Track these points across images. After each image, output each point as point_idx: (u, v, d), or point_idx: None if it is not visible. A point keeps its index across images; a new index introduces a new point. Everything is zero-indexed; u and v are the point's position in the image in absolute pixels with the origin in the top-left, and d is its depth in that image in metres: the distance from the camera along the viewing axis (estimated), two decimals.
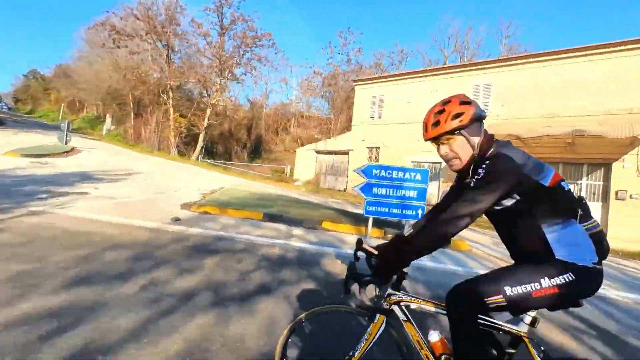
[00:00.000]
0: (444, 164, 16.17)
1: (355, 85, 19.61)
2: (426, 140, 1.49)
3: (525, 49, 28.25)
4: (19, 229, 4.38)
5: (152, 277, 3.26)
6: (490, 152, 1.40)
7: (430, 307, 1.53)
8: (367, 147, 18.81)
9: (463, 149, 1.42)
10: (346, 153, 19.80)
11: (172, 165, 16.89)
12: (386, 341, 1.58)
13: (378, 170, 6.27)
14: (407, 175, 6.24)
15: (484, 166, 1.33)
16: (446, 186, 15.91)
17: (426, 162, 16.57)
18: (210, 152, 33.34)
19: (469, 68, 15.79)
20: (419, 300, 1.53)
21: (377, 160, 18.30)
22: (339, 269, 4.29)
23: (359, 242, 1.59)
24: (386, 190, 6.21)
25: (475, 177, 1.34)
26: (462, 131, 1.39)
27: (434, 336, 1.52)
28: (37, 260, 3.36)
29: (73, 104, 47.35)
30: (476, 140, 1.41)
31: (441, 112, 1.41)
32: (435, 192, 16.30)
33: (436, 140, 1.45)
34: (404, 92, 17.56)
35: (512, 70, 14.50)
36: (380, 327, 1.52)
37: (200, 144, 23.54)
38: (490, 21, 58.04)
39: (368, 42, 64.87)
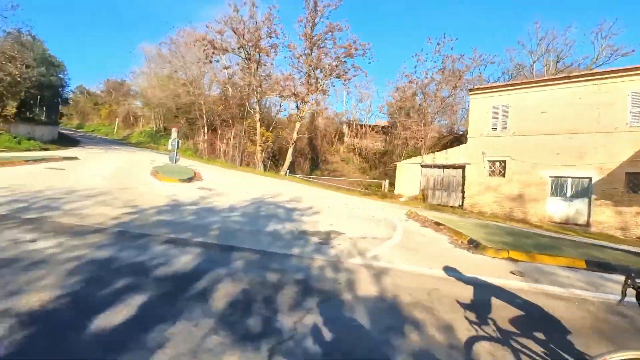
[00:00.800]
0: (595, 179, 14.86)
1: (471, 94, 18.33)
2: None
3: (633, 49, 26.25)
4: (438, 301, 3.67)
5: None
6: None
7: None
8: (489, 161, 17.44)
9: None
10: (460, 167, 18.48)
11: (296, 187, 16.02)
12: None
13: None
14: None
15: None
16: (599, 204, 14.35)
17: (569, 177, 15.07)
18: (277, 165, 32.67)
19: (624, 73, 14.27)
20: None
21: (503, 175, 16.91)
22: None
23: (632, 279, 1.52)
24: None
25: None
26: None
27: None
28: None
29: (127, 118, 47.78)
30: None
31: None
32: (585, 210, 14.74)
33: None
34: (535, 101, 16.16)
35: None
36: None
37: (289, 158, 22.68)
38: (581, 23, 55.28)
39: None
